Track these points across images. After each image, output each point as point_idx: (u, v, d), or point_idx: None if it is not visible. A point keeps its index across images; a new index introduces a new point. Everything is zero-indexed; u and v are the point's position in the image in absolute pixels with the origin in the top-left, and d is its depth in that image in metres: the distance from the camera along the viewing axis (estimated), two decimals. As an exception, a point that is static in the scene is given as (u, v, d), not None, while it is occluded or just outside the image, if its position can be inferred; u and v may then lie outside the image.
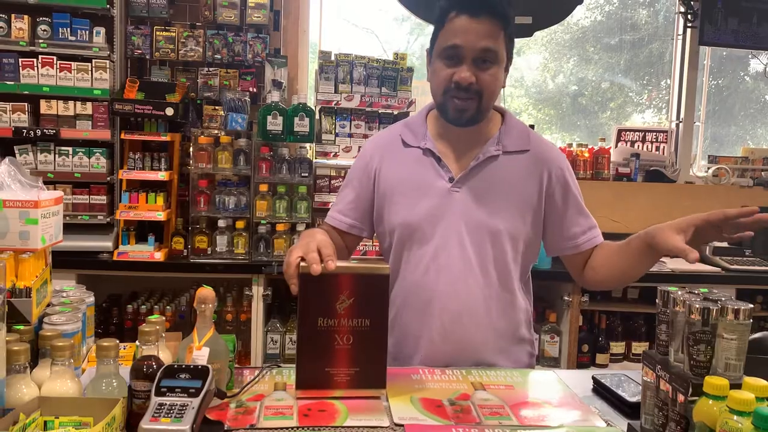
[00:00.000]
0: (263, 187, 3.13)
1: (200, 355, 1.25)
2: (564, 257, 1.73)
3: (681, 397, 1.05)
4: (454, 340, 1.59)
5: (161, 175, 3.07)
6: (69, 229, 2.95)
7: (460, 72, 1.49)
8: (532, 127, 3.67)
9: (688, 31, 3.91)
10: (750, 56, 4.37)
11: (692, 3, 3.83)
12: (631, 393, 1.39)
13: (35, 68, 2.99)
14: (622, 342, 3.44)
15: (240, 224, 3.11)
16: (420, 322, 1.59)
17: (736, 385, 0.97)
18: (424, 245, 1.60)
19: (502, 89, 1.63)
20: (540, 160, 1.63)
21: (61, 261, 2.85)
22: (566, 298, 3.24)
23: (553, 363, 3.31)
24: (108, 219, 3.09)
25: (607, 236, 3.55)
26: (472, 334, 1.60)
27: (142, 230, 3.12)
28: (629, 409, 1.34)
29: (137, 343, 1.21)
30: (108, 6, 3.06)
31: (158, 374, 1.13)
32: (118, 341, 1.14)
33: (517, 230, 1.60)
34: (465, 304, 1.59)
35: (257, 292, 3.08)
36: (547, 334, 3.32)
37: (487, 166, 1.60)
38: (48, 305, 1.34)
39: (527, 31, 3.54)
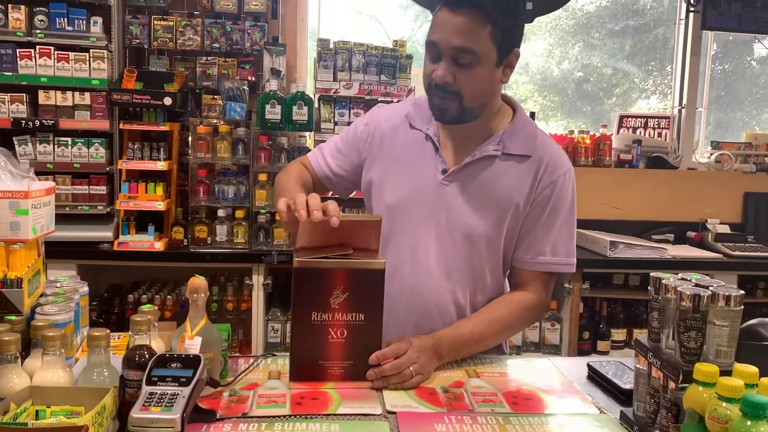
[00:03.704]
0: (262, 177, 3.12)
1: (192, 345, 1.25)
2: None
3: (672, 384, 1.05)
4: (416, 326, 1.53)
5: (160, 165, 3.07)
6: (69, 219, 3.00)
7: (438, 70, 1.42)
8: (533, 115, 3.67)
9: (691, 15, 3.87)
10: (755, 41, 4.33)
11: (695, -13, 3.79)
12: (625, 380, 1.39)
13: (33, 59, 2.98)
14: (624, 329, 3.43)
15: (239, 213, 3.11)
16: (390, 313, 1.42)
17: (726, 372, 0.96)
18: (403, 233, 1.56)
19: (501, 84, 1.51)
20: (539, 168, 1.53)
21: (62, 251, 2.88)
22: (567, 285, 3.23)
23: (554, 350, 3.31)
24: (108, 209, 3.09)
25: (609, 222, 3.61)
26: (436, 324, 1.54)
27: (142, 220, 3.12)
28: (623, 396, 1.34)
29: (130, 332, 1.22)
30: (105, -5, 3.05)
31: (150, 363, 1.14)
32: (108, 331, 1.15)
33: (496, 235, 1.54)
34: (437, 302, 1.55)
35: (257, 281, 3.08)
36: (547, 322, 3.31)
37: (481, 165, 1.53)
38: (41, 295, 1.35)
39: (528, 17, 3.50)
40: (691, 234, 3.65)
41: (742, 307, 1.03)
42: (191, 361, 1.16)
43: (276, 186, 1.69)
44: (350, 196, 1.83)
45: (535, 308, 1.59)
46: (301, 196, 1.30)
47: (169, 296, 3.15)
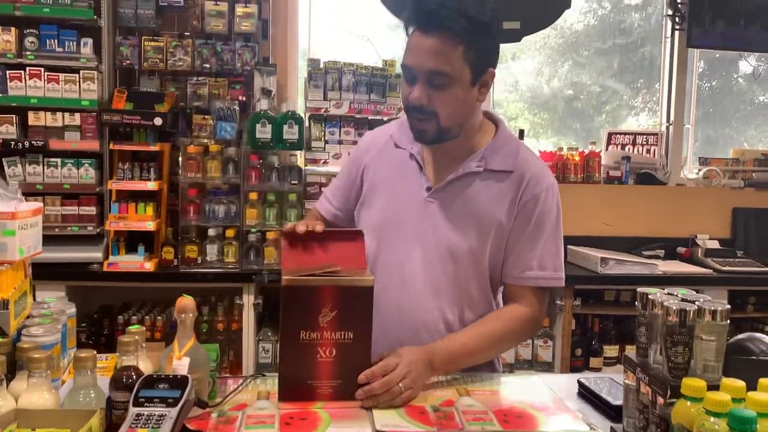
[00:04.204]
0: (253, 196, 3.12)
1: (180, 365, 1.24)
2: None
3: (660, 400, 1.05)
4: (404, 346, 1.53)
5: (151, 185, 3.06)
6: (58, 240, 2.99)
7: (413, 92, 1.45)
8: (522, 133, 3.70)
9: (676, 33, 3.92)
10: (741, 58, 4.38)
11: (680, 6, 3.84)
12: (615, 396, 1.39)
13: (23, 80, 2.98)
14: (616, 345, 3.43)
15: (230, 233, 3.10)
16: (378, 331, 1.42)
17: (714, 387, 0.96)
18: (391, 251, 1.57)
19: (479, 103, 1.53)
20: (521, 183, 1.54)
21: (51, 273, 2.85)
22: (558, 302, 3.24)
23: (547, 368, 3.30)
24: (98, 230, 3.07)
25: (599, 239, 3.62)
26: (425, 344, 1.53)
27: (132, 240, 3.11)
28: (613, 413, 1.34)
29: (117, 353, 1.21)
30: (95, 17, 3.05)
31: (137, 384, 1.13)
32: (95, 352, 1.14)
33: (481, 250, 1.55)
34: (426, 320, 1.55)
35: (248, 300, 3.07)
36: (540, 339, 3.31)
37: (464, 182, 1.55)
38: (28, 317, 1.34)
39: (515, 36, 3.54)
40: (681, 249, 3.66)
41: (729, 321, 1.04)
42: (179, 382, 1.15)
43: None
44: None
45: (527, 322, 1.59)
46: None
47: (159, 317, 3.13)
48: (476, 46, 1.41)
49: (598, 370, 3.35)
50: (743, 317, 3.49)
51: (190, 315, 1.28)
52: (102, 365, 1.41)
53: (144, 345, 1.30)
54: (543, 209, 1.55)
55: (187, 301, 1.28)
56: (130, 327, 1.27)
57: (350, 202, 1.72)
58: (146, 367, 1.27)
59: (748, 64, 4.22)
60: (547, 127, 5.07)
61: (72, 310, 1.45)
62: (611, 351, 3.41)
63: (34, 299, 1.46)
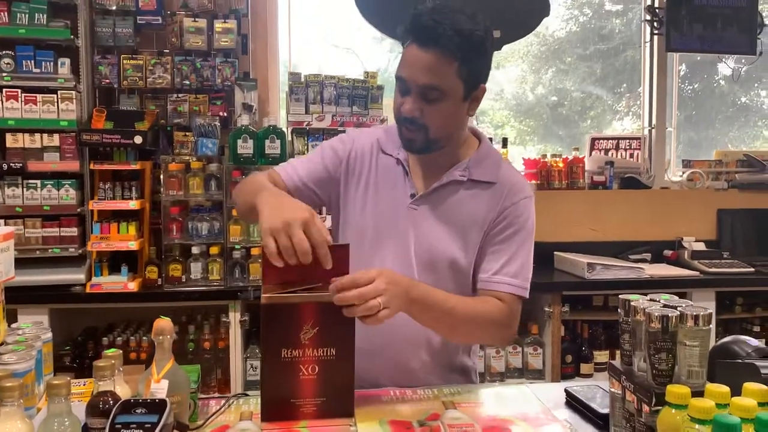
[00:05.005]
0: (236, 212, 3.10)
1: (159, 388, 1.21)
2: None
3: (646, 408, 1.04)
4: (386, 358, 1.56)
5: (132, 204, 3.03)
6: (40, 263, 2.96)
7: (405, 104, 1.47)
8: (505, 141, 3.70)
9: (655, 38, 3.95)
10: (720, 60, 4.41)
11: (657, 11, 3.87)
12: (602, 404, 1.37)
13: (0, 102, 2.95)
14: (606, 351, 3.42)
15: (214, 250, 3.07)
16: (361, 346, 1.37)
17: (698, 393, 0.95)
18: (374, 257, 1.57)
19: (468, 117, 1.56)
20: (502, 193, 1.58)
21: (33, 296, 2.82)
22: (547, 309, 3.22)
23: (538, 375, 3.29)
24: (80, 251, 3.04)
25: (585, 244, 3.62)
26: (406, 357, 1.57)
27: (115, 261, 3.08)
28: (601, 421, 1.33)
29: (94, 378, 1.18)
30: (72, 37, 3.04)
31: (113, 410, 1.10)
32: (69, 378, 1.11)
33: (462, 258, 1.57)
34: (408, 331, 1.52)
35: (234, 318, 3.03)
36: (529, 347, 3.29)
37: (449, 190, 1.58)
38: (1, 344, 1.30)
39: (496, 45, 3.54)
40: (667, 252, 3.67)
41: (712, 326, 1.02)
42: (157, 406, 1.12)
43: (247, 189, 1.54)
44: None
45: (502, 315, 1.53)
46: (283, 237, 1.24)
47: (144, 337, 3.09)
48: (470, 62, 1.44)
49: (589, 376, 3.34)
50: (731, 318, 3.50)
51: (168, 337, 1.25)
52: (79, 391, 1.39)
53: (121, 369, 1.27)
54: (519, 220, 1.57)
55: (164, 323, 1.25)
56: (106, 351, 1.24)
57: (318, 185, 1.62)
58: (124, 391, 1.24)
59: (726, 65, 4.25)
60: (533, 134, 5.09)
61: (48, 335, 1.41)
62: (602, 357, 3.40)
63: (11, 325, 1.43)
